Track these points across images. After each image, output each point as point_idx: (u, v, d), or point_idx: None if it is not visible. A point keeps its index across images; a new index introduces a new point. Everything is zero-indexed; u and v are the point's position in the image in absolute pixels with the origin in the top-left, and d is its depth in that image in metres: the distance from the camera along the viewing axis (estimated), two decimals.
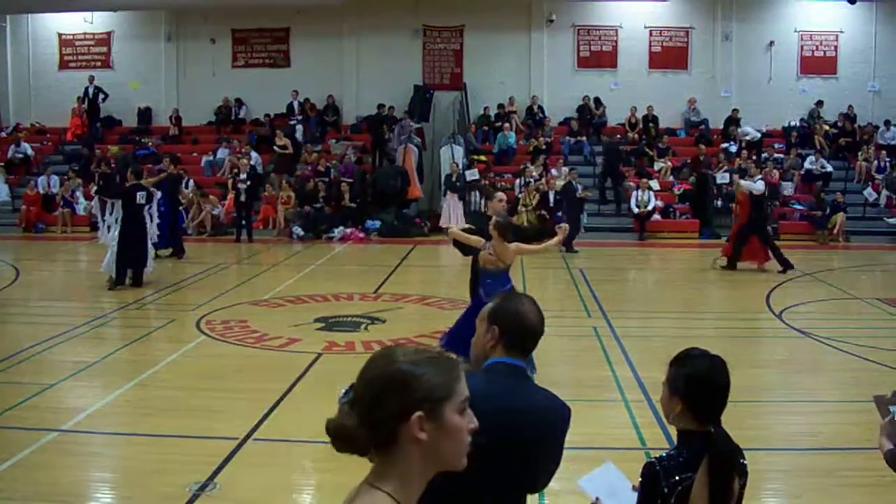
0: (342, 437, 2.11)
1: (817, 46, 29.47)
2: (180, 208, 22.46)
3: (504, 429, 3.05)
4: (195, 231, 24.13)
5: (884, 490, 6.40)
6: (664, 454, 3.46)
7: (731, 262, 18.44)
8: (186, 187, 24.36)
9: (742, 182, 19.06)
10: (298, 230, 23.99)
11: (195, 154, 28.29)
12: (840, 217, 24.17)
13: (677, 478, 3.30)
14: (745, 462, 3.48)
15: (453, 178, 25.18)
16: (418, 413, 2.08)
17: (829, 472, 7.39)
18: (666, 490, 3.30)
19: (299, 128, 28.22)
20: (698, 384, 3.40)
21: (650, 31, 29.21)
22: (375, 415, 2.08)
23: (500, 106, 28.68)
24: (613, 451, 7.34)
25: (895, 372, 9.88)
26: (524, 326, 3.44)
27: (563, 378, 9.85)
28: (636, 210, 24.07)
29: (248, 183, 23.07)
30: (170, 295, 15.63)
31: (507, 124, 27.97)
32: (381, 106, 27.91)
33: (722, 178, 25.21)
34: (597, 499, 3.54)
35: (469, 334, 3.59)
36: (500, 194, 12.76)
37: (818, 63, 29.46)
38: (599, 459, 7.33)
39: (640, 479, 3.45)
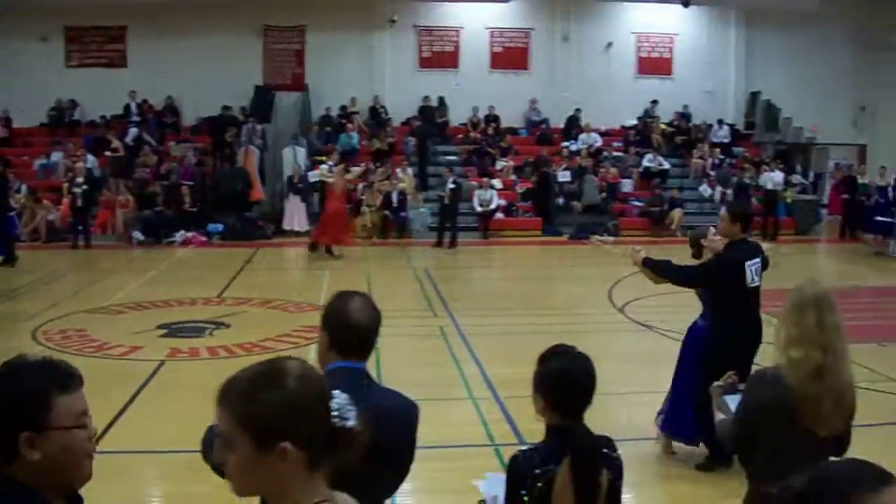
0: None
1: (653, 48, 30.47)
2: (11, 213, 21.47)
3: None
4: (29, 237, 23.13)
5: (728, 471, 6.64)
6: (530, 447, 3.50)
7: None
8: (18, 191, 23.36)
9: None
10: (138, 235, 23.26)
11: (27, 158, 27.10)
12: (677, 213, 24.98)
13: (539, 470, 3.33)
14: (616, 454, 3.55)
15: (295, 180, 24.88)
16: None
17: (676, 459, 7.62)
18: (528, 480, 3.32)
19: (134, 130, 27.31)
20: (556, 381, 3.45)
21: (491, 32, 29.57)
22: None
23: (343, 107, 28.52)
24: (464, 449, 7.37)
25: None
26: (351, 326, 3.34)
27: (411, 378, 9.80)
28: (479, 209, 24.28)
29: (85, 187, 22.29)
30: (1, 306, 14.95)
31: (349, 125, 27.80)
32: (225, 107, 27.39)
33: (563, 176, 25.74)
34: (484, 500, 3.57)
35: None
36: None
37: (654, 64, 30.46)
38: (451, 458, 7.42)
39: (506, 472, 3.47)
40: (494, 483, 3.89)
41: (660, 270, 7.31)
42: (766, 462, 3.93)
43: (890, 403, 9.50)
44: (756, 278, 7.16)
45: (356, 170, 22.26)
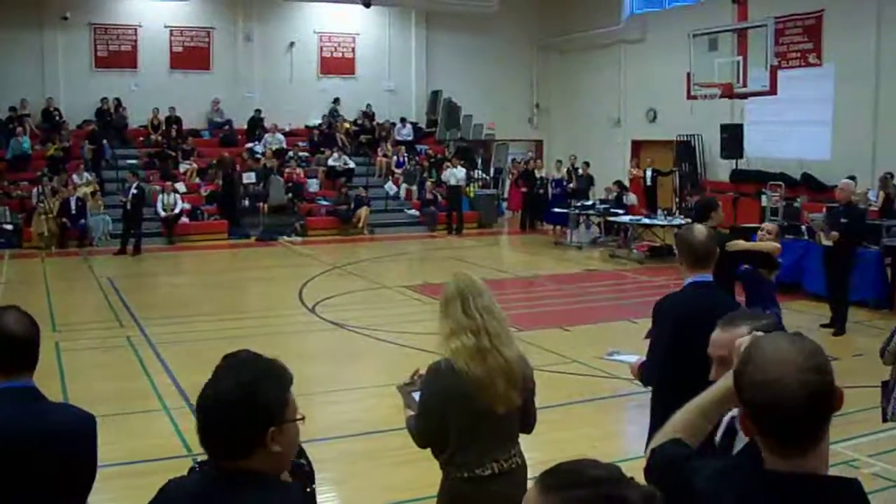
0: None
1: (336, 48, 30.76)
2: None
3: (20, 457, 2.90)
4: None
5: (419, 464, 6.76)
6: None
7: None
8: None
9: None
10: None
11: None
12: (364, 211, 25.32)
13: None
14: (304, 462, 3.29)
15: None
16: None
17: (373, 455, 7.71)
18: None
19: None
20: None
21: (171, 31, 28.70)
22: None
23: (13, 108, 26.66)
24: (160, 462, 7.09)
25: (424, 354, 10.49)
26: (7, 342, 3.12)
27: (98, 392, 9.40)
28: (163, 214, 23.49)
29: None
30: None
31: (20, 128, 26.00)
32: None
33: (248, 177, 25.42)
34: None
35: None
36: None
37: (337, 63, 30.77)
38: (147, 472, 7.11)
39: None
40: None
41: None
42: (457, 449, 4.03)
43: (576, 384, 10.06)
44: None
45: None
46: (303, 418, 2.54)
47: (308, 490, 3.22)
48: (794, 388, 1.99)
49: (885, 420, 6.06)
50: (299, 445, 2.65)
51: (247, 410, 2.39)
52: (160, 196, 23.60)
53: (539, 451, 6.01)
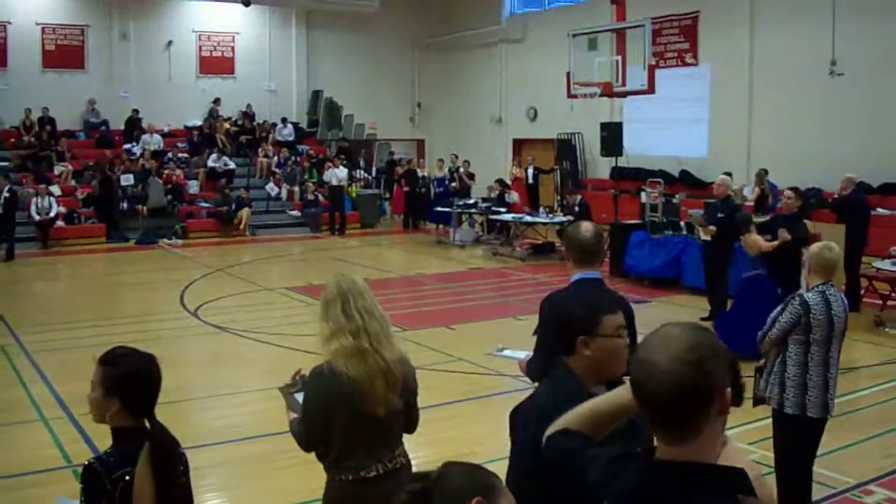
0: None
1: (215, 47, 30.36)
2: None
3: None
4: None
5: (307, 468, 6.71)
6: (102, 454, 3.36)
7: None
8: None
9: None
10: None
11: None
12: (245, 212, 25.02)
13: (119, 473, 3.23)
14: (183, 451, 3.54)
15: None
16: None
17: (260, 459, 7.63)
18: (109, 487, 3.21)
19: None
20: (134, 380, 3.37)
21: (43, 28, 27.85)
22: None
23: None
24: (38, 475, 6.90)
25: (308, 356, 10.39)
26: None
27: None
28: (37, 218, 22.77)
29: None
30: None
31: None
32: None
33: (126, 179, 24.87)
34: None
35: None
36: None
37: (217, 63, 30.37)
38: (25, 485, 6.91)
39: (81, 484, 3.29)
40: None
41: None
42: (341, 451, 4.02)
43: (461, 382, 10.12)
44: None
45: None
46: (621, 338, 3.31)
47: None
48: (659, 372, 2.03)
49: (755, 405, 6.25)
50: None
51: None
52: (34, 199, 22.85)
53: (424, 450, 6.03)
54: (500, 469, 2.34)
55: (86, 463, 3.32)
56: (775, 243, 11.23)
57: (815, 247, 6.22)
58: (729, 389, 2.07)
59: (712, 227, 12.86)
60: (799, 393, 5.94)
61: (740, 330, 8.27)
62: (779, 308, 6.14)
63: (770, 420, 6.26)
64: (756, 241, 11.47)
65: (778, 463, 6.19)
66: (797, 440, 6.06)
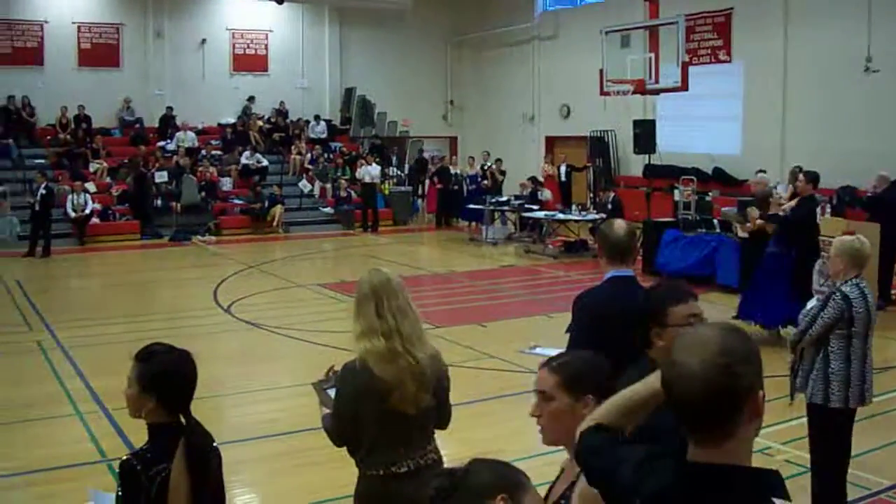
0: None
1: (249, 44, 30.44)
2: None
3: None
4: None
5: (338, 464, 6.73)
6: (138, 449, 3.40)
7: None
8: None
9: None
10: None
11: None
12: (278, 209, 25.12)
13: (155, 469, 3.27)
14: (217, 446, 3.58)
15: None
16: None
17: (291, 455, 7.67)
18: (147, 483, 3.25)
19: None
20: (170, 378, 3.39)
21: (79, 27, 28.07)
22: None
23: None
24: (74, 468, 6.97)
25: (339, 352, 10.44)
26: None
27: (10, 399, 9.19)
28: (73, 214, 22.99)
29: None
30: None
31: None
32: None
33: (160, 176, 25.05)
34: None
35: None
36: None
37: (250, 60, 30.45)
38: (61, 479, 6.97)
39: (119, 479, 3.34)
40: (102, 501, 3.78)
41: None
42: (371, 447, 4.04)
43: (493, 379, 10.11)
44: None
45: None
46: (692, 325, 3.10)
47: None
48: (692, 375, 2.01)
49: (792, 400, 6.21)
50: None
51: None
52: (70, 196, 23.08)
53: (454, 448, 6.03)
54: (528, 467, 2.33)
55: (123, 458, 3.36)
56: (750, 226, 11.80)
57: (846, 239, 6.15)
58: (762, 392, 2.06)
59: (749, 224, 12.72)
60: (843, 387, 5.92)
61: (761, 304, 8.34)
62: (816, 304, 6.10)
63: (805, 419, 6.21)
64: (753, 220, 11.88)
65: (816, 462, 6.14)
66: (840, 434, 6.03)
